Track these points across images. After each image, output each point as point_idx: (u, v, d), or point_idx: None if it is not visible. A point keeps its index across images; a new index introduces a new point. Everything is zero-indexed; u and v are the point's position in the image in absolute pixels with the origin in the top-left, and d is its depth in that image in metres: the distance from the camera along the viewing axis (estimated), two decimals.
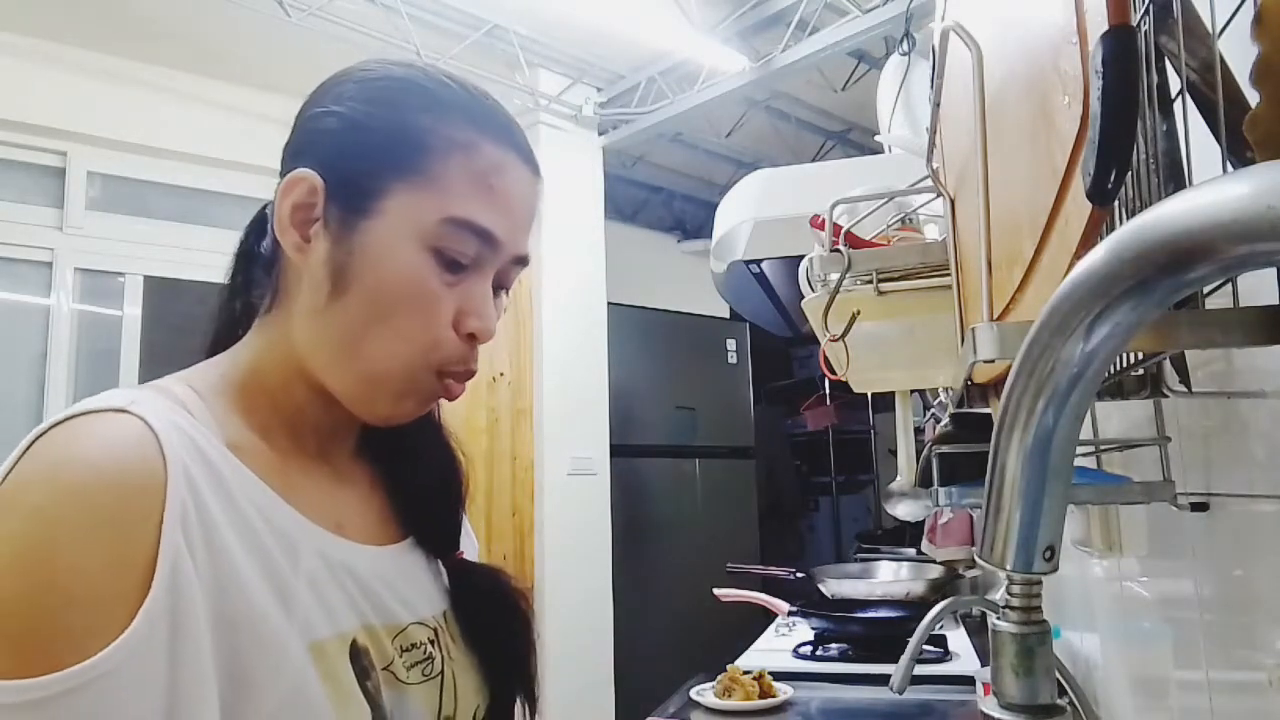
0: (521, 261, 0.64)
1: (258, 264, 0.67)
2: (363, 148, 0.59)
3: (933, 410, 1.62)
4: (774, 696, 1.56)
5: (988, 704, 0.38)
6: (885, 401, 1.60)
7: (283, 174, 0.61)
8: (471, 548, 0.76)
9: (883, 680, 1.46)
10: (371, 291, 0.58)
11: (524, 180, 0.63)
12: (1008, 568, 0.34)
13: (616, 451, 3.67)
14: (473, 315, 0.60)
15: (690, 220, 5.08)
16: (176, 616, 0.46)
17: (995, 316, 0.52)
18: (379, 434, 0.68)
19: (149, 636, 0.45)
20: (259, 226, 0.67)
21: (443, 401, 0.69)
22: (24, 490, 0.47)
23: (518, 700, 0.70)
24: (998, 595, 0.41)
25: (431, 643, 0.64)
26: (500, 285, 0.64)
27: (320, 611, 0.55)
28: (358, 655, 0.56)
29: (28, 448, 0.48)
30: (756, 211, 1.63)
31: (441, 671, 0.63)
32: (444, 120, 0.60)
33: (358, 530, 0.63)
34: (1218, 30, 0.42)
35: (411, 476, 0.70)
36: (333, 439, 0.66)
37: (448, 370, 0.61)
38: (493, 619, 0.69)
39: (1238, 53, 0.37)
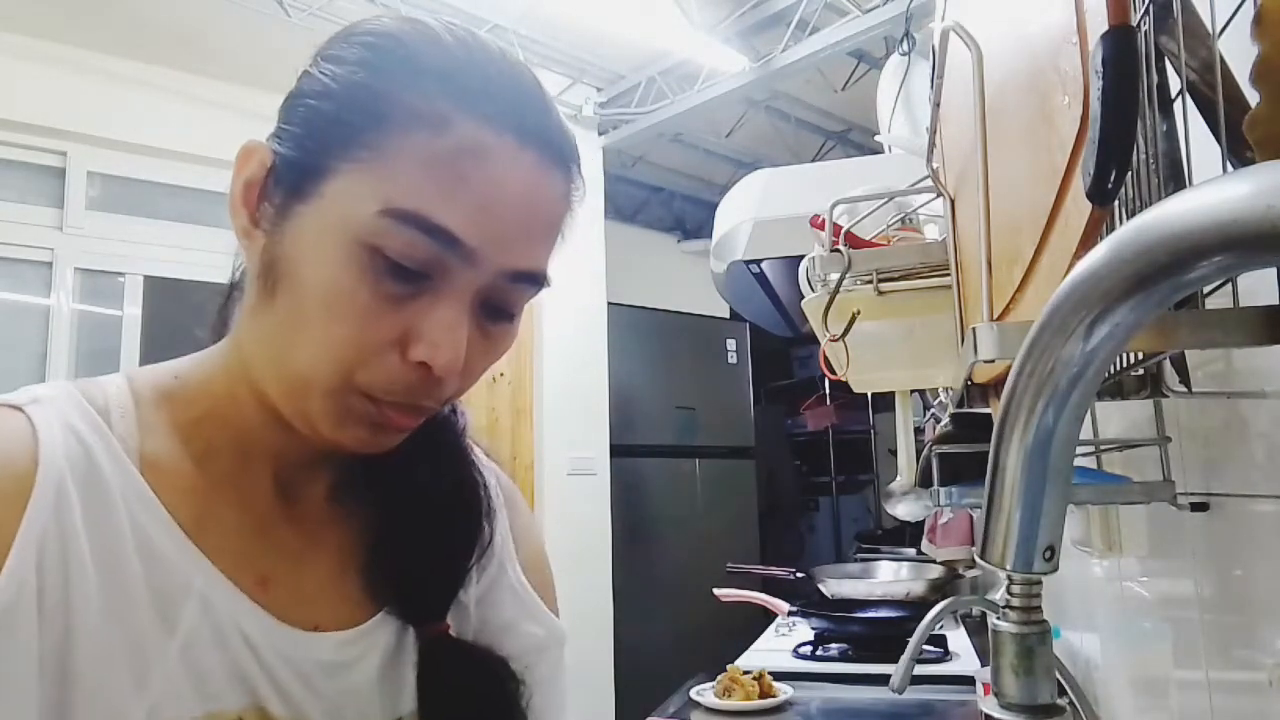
0: (525, 278, 0.50)
1: None
2: (319, 117, 0.48)
3: (933, 410, 1.62)
4: (774, 696, 1.56)
5: (988, 704, 0.38)
6: (885, 401, 1.60)
7: None
8: (511, 598, 0.63)
9: (883, 680, 1.46)
10: (295, 291, 0.47)
11: (523, 172, 0.48)
12: (1008, 568, 0.34)
13: (616, 451, 3.67)
14: (423, 341, 0.47)
15: (690, 220, 5.08)
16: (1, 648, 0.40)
17: (995, 316, 0.52)
18: (371, 466, 0.56)
19: None
20: None
21: (477, 432, 0.60)
22: None
23: None
24: (998, 595, 0.41)
25: None
26: (496, 307, 0.50)
27: (188, 686, 0.46)
28: None
29: None
30: (756, 211, 1.63)
31: None
32: (412, 87, 0.47)
33: (289, 589, 0.52)
34: (1218, 30, 0.42)
35: (398, 526, 0.57)
36: (298, 470, 0.55)
37: (384, 398, 0.48)
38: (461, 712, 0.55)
39: (1238, 53, 0.37)
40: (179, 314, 2.98)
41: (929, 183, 0.87)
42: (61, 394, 0.48)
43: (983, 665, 1.70)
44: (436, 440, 0.60)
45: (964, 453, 0.73)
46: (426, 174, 0.46)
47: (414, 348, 0.47)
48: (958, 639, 1.99)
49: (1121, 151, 0.31)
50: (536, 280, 0.51)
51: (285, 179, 0.49)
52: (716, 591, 2.20)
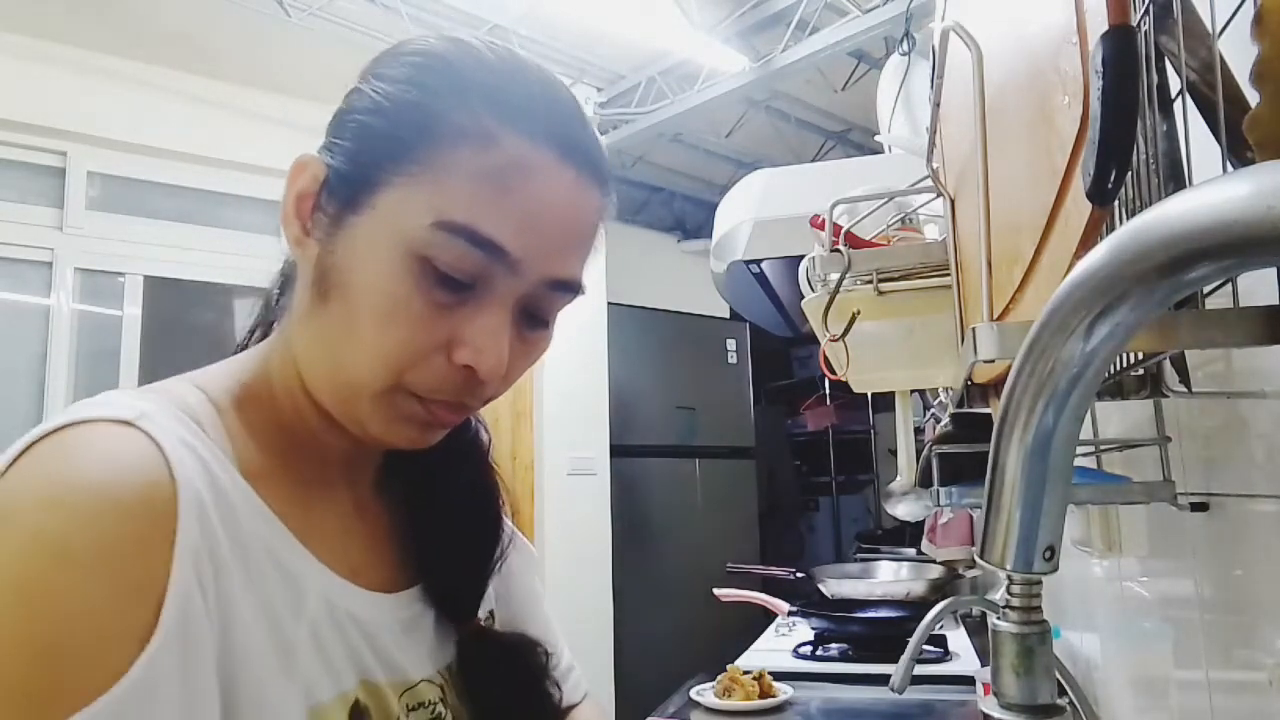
0: (563, 287, 0.53)
1: None
2: (371, 133, 0.51)
3: (933, 410, 1.62)
4: (774, 696, 1.56)
5: (988, 704, 0.38)
6: (885, 401, 1.60)
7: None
8: (530, 561, 0.73)
9: (883, 680, 1.46)
10: (349, 299, 0.50)
11: (564, 187, 0.51)
12: (1008, 568, 0.34)
13: (616, 451, 3.67)
14: (468, 346, 0.50)
15: (690, 220, 5.08)
16: (186, 659, 0.41)
17: (995, 316, 0.52)
18: (404, 465, 0.62)
19: (152, 683, 0.39)
20: None
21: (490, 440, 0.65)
22: (19, 510, 0.41)
23: None
24: (998, 595, 0.41)
25: (441, 701, 0.58)
26: (533, 314, 0.53)
27: (321, 670, 0.50)
28: (358, 717, 0.51)
29: (18, 457, 0.42)
30: (756, 211, 1.63)
31: None
32: (461, 106, 0.49)
33: (371, 574, 0.57)
34: (1218, 30, 0.42)
35: (435, 521, 0.63)
36: (354, 466, 0.59)
37: (431, 397, 0.52)
38: (506, 699, 0.62)
39: (1238, 53, 0.37)
40: (179, 314, 2.99)
41: (929, 183, 0.87)
42: (160, 406, 0.48)
43: (983, 665, 1.70)
44: (468, 453, 0.67)
45: (964, 453, 0.73)
46: (475, 188, 0.48)
47: (459, 351, 0.50)
48: (958, 639, 1.99)
49: (1121, 151, 0.31)
50: (573, 289, 0.54)
51: (339, 191, 0.51)
52: (716, 591, 2.20)
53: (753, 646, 2.08)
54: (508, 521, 0.71)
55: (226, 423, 0.52)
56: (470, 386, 0.52)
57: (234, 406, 0.54)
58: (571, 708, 0.71)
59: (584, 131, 0.53)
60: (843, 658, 1.87)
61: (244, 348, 0.60)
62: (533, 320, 0.54)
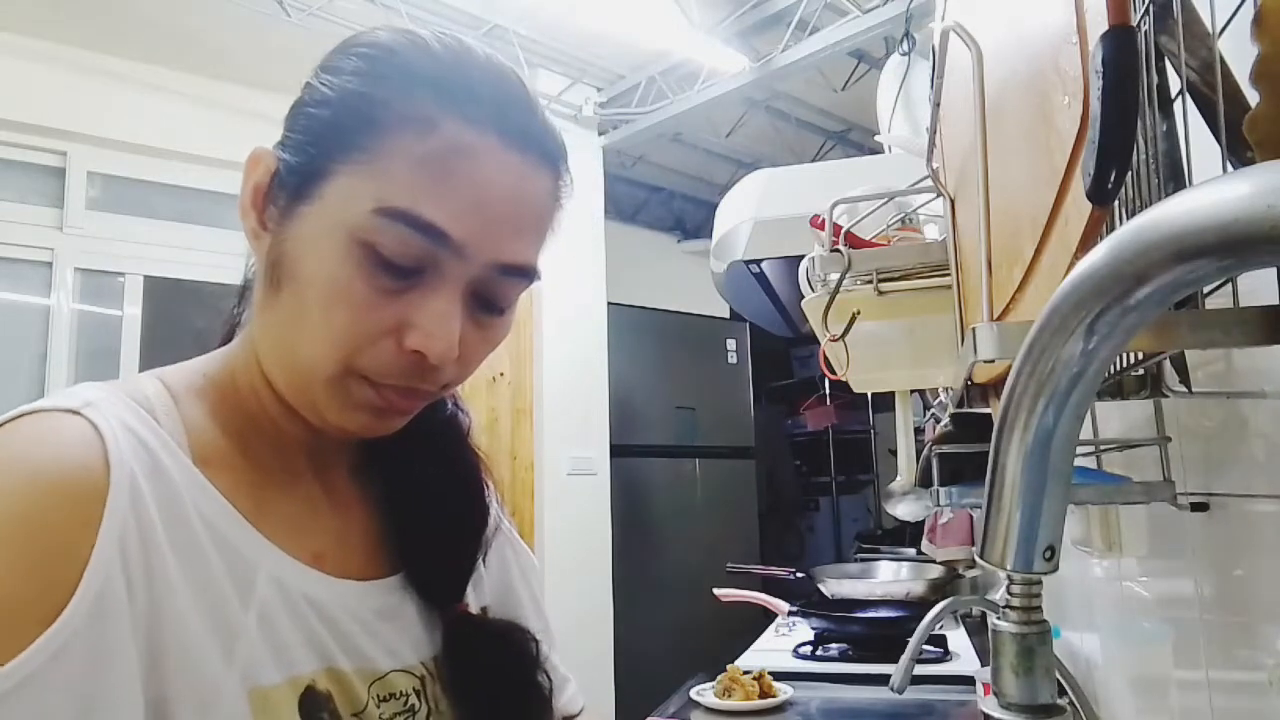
0: (514, 272, 0.53)
1: None
2: (318, 124, 0.51)
3: (933, 410, 1.62)
4: (774, 696, 1.56)
5: (988, 704, 0.38)
6: (885, 401, 1.60)
7: None
8: (531, 567, 0.72)
9: (883, 680, 1.46)
10: (298, 287, 0.51)
11: (508, 170, 0.51)
12: (1008, 568, 0.34)
13: (616, 451, 3.67)
14: (417, 330, 0.50)
15: (690, 220, 5.08)
16: (98, 640, 0.41)
17: (995, 316, 0.52)
18: (383, 452, 0.62)
19: (58, 655, 0.39)
20: None
21: (474, 427, 0.65)
22: None
23: None
24: (998, 595, 0.41)
25: (417, 693, 0.57)
26: (487, 300, 0.53)
27: (269, 653, 0.49)
28: (313, 703, 0.51)
29: None
30: (756, 211, 1.63)
31: None
32: (403, 94, 0.50)
33: (338, 562, 0.57)
34: (1218, 30, 0.42)
35: (414, 507, 0.62)
36: (324, 454, 0.60)
37: (382, 382, 0.52)
38: (493, 687, 0.61)
39: (1238, 53, 0.37)
40: (179, 314, 2.99)
41: (929, 183, 0.87)
42: (109, 396, 0.49)
43: (983, 665, 1.70)
44: (444, 434, 0.66)
45: (964, 453, 0.73)
46: (416, 173, 0.49)
47: (409, 336, 0.50)
48: (958, 639, 1.99)
49: (1121, 151, 0.31)
50: (525, 274, 0.54)
51: (289, 182, 0.52)
52: (716, 591, 2.20)
53: (753, 646, 2.08)
54: (506, 520, 0.70)
55: (183, 411, 0.52)
56: (422, 371, 0.52)
57: (195, 396, 0.54)
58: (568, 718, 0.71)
59: (530, 116, 0.53)
60: (843, 658, 1.87)
61: (223, 344, 0.61)
62: (487, 306, 0.54)
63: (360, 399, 0.52)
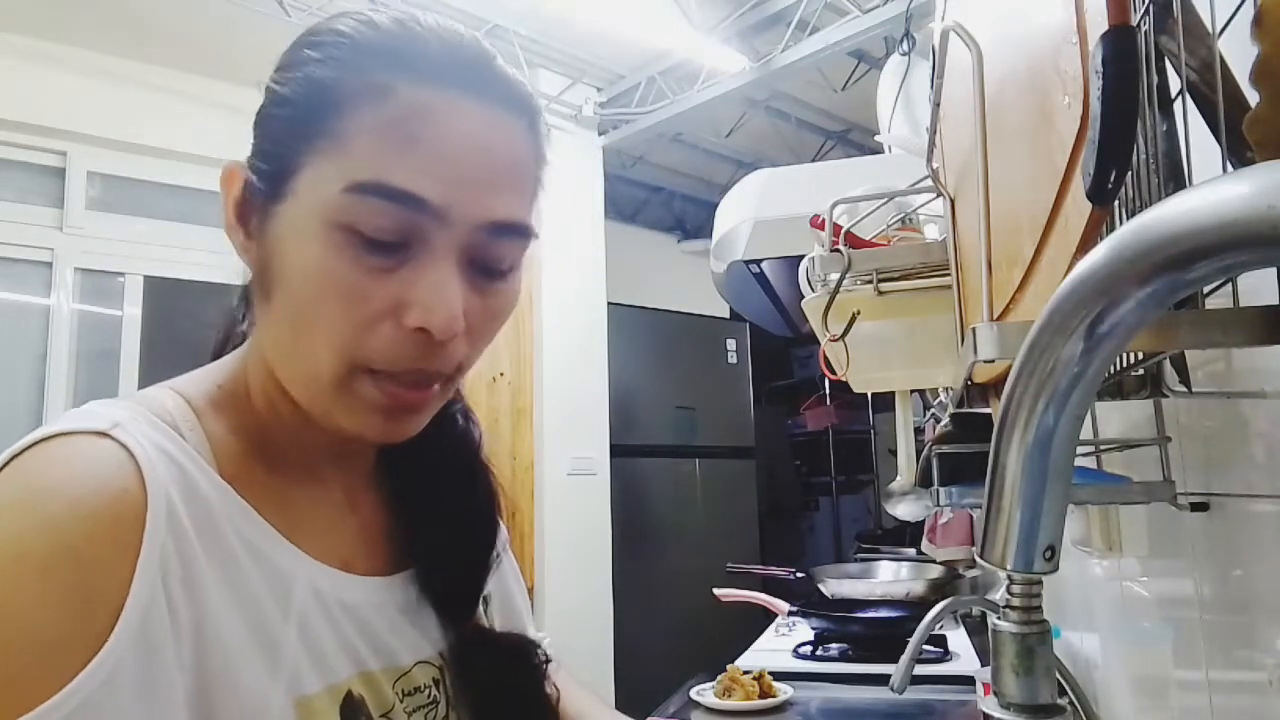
0: (506, 231, 0.50)
1: None
2: (278, 122, 0.50)
3: (933, 410, 1.62)
4: (774, 696, 1.56)
5: (988, 704, 0.38)
6: (885, 401, 1.60)
7: None
8: (517, 587, 0.73)
9: (883, 680, 1.46)
10: (287, 288, 0.49)
11: (476, 124, 0.49)
12: (1008, 568, 0.34)
13: (616, 451, 3.67)
14: (415, 305, 0.48)
15: (690, 220, 5.08)
16: (145, 667, 0.41)
17: (995, 316, 0.52)
18: (398, 458, 0.63)
19: (105, 685, 0.39)
20: None
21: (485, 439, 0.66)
22: None
23: None
24: (998, 595, 0.41)
25: (436, 684, 0.59)
26: (486, 266, 0.51)
27: (310, 662, 0.50)
28: (352, 709, 0.51)
29: (1, 468, 0.44)
30: (756, 211, 1.63)
31: (446, 716, 0.59)
32: (354, 69, 0.48)
33: (364, 562, 0.58)
34: (1218, 30, 0.42)
35: (427, 509, 0.63)
36: (343, 460, 0.59)
37: (387, 371, 0.49)
38: (506, 703, 0.63)
39: (1238, 53, 0.37)
40: (179, 314, 2.98)
41: (929, 183, 0.87)
42: (134, 415, 0.48)
43: (983, 665, 1.70)
44: (456, 446, 0.67)
45: (964, 453, 0.73)
46: (378, 143, 0.47)
47: (408, 314, 0.48)
48: (958, 639, 1.99)
49: (1121, 151, 0.31)
50: (519, 231, 0.51)
51: (261, 187, 0.51)
52: (717, 591, 2.20)
53: (753, 646, 2.08)
54: (503, 528, 0.71)
55: (205, 426, 0.52)
56: (429, 351, 0.49)
57: (213, 409, 0.53)
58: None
59: (491, 67, 0.51)
60: (843, 658, 1.87)
61: (218, 355, 0.60)
62: (488, 272, 0.51)
63: (370, 400, 0.50)
